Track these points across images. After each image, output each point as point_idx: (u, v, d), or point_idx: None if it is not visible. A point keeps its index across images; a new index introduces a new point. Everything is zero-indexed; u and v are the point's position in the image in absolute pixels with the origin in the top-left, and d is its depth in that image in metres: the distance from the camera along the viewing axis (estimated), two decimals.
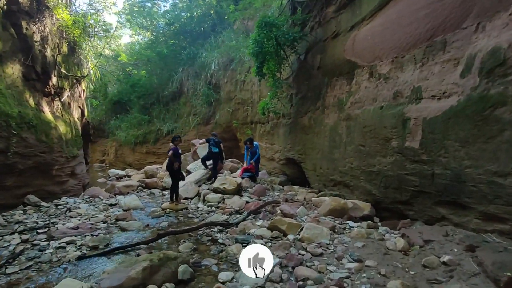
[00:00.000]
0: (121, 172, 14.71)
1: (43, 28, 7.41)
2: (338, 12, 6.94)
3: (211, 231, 5.06)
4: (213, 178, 9.12)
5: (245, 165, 9.29)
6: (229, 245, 4.38)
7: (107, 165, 19.66)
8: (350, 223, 4.77)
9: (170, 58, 18.00)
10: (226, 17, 16.81)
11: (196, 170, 9.85)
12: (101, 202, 7.44)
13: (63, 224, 5.40)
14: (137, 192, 9.71)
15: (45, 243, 4.53)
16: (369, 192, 5.62)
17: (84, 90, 10.68)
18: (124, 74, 20.14)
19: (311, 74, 8.47)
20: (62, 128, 8.08)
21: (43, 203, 6.66)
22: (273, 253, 3.68)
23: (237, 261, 3.73)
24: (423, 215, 4.49)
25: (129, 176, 13.77)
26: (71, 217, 5.97)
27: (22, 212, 6.09)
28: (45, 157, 6.96)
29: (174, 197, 7.10)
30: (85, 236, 4.82)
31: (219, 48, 15.66)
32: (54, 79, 8.03)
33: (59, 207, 6.79)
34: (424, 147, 4.27)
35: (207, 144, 9.47)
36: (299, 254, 3.81)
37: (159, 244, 4.60)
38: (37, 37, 7.22)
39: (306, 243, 4.08)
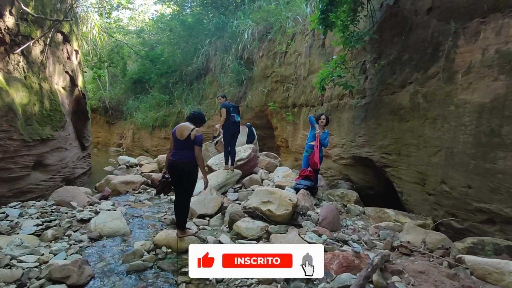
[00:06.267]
0: (132, 160, 11.90)
1: None
2: None
3: None
4: (230, 161, 6.17)
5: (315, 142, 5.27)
6: None
7: (124, 150, 16.98)
8: None
9: (196, 30, 14.67)
10: None
11: (221, 167, 6.56)
12: (65, 216, 4.36)
13: None
14: (138, 192, 6.65)
15: None
16: None
17: (77, 52, 7.58)
18: (146, 49, 17.03)
19: (412, 24, 4.89)
20: (20, 96, 5.01)
21: None
22: None
23: None
24: None
25: (141, 165, 10.91)
26: None
27: None
28: None
29: (181, 224, 3.67)
30: None
31: (254, 14, 12.11)
32: (10, 20, 4.92)
33: None
34: None
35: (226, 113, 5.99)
36: None
37: None
38: None
39: None
